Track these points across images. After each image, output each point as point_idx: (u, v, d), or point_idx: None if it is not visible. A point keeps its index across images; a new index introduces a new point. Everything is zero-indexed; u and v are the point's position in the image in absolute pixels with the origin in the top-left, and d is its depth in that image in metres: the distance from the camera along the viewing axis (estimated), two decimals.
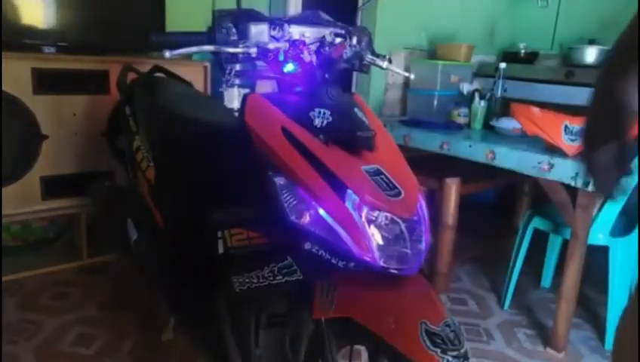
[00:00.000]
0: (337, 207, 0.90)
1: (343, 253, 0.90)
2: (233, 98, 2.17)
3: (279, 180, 0.93)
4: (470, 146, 2.07)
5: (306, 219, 0.91)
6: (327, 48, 1.05)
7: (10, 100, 1.94)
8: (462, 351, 0.88)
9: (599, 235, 1.93)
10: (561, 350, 1.91)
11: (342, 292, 0.95)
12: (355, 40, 1.09)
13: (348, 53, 1.06)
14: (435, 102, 2.72)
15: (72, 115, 2.11)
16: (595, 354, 1.94)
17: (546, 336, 2.02)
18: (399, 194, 0.93)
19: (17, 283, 2.10)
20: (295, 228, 0.91)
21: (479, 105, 2.40)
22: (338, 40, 1.07)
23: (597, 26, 3.00)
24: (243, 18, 0.97)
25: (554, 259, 2.44)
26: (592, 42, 2.83)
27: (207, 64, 2.39)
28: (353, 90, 3.08)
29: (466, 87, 2.63)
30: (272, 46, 0.98)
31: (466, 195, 2.28)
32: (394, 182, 0.95)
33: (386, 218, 0.91)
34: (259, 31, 0.97)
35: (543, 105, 1.97)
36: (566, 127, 1.79)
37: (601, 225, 1.90)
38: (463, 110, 2.46)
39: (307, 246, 0.91)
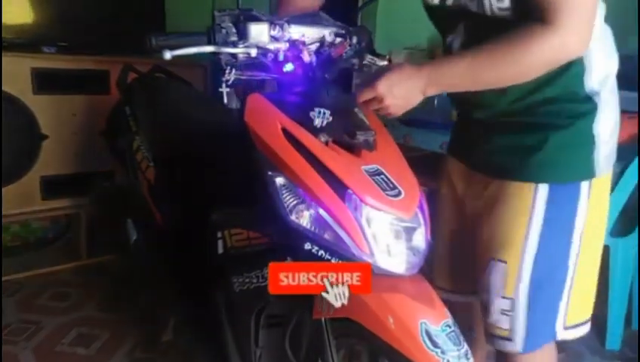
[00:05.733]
0: (337, 207, 0.89)
1: (342, 253, 0.89)
2: (233, 98, 2.17)
3: (279, 180, 0.93)
4: None
5: (306, 219, 0.91)
6: (327, 48, 1.05)
7: (9, 100, 1.94)
8: (462, 351, 0.88)
9: None
10: (561, 350, 1.90)
11: None
12: (355, 40, 1.09)
13: (348, 53, 1.06)
14: (436, 102, 2.71)
15: (72, 115, 2.11)
16: (595, 356, 1.93)
17: None
18: (399, 194, 0.93)
19: (17, 283, 2.10)
20: (295, 229, 0.91)
21: None
22: (338, 40, 1.07)
23: None
24: (243, 18, 0.97)
25: None
26: None
27: (207, 64, 2.39)
28: (353, 90, 3.07)
29: None
30: (271, 46, 0.98)
31: None
32: (394, 182, 0.95)
33: (387, 218, 0.91)
34: (258, 31, 0.96)
35: None
36: None
37: None
38: None
39: (307, 246, 0.91)
